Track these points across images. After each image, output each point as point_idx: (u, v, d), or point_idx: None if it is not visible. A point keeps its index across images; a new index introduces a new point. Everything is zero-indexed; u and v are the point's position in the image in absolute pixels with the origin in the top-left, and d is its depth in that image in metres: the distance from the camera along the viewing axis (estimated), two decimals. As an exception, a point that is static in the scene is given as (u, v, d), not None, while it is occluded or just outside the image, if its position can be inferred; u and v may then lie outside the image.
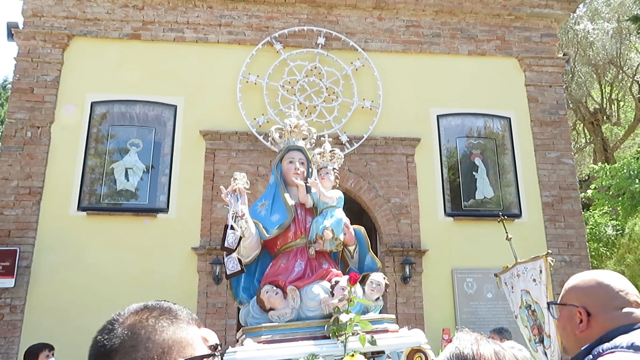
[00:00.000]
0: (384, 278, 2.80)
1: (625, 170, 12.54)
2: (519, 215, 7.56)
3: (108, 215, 7.08)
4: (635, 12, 13.91)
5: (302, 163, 3.00)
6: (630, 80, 16.86)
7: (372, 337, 2.43)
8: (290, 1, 7.97)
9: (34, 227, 6.87)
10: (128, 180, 7.28)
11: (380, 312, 2.87)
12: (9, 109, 7.36)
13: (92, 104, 7.44)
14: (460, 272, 7.27)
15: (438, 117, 7.96)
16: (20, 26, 7.58)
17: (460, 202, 7.71)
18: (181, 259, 6.98)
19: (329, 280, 2.67)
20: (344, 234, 2.87)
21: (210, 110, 7.49)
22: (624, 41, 16.44)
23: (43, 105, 7.29)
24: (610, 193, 13.52)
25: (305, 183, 2.91)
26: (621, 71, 16.72)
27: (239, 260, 2.68)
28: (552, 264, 5.64)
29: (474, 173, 7.86)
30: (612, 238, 13.72)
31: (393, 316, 2.77)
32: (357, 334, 2.42)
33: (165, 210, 7.19)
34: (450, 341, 1.30)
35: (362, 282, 2.75)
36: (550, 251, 5.74)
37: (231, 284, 2.86)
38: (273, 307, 2.63)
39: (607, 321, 1.46)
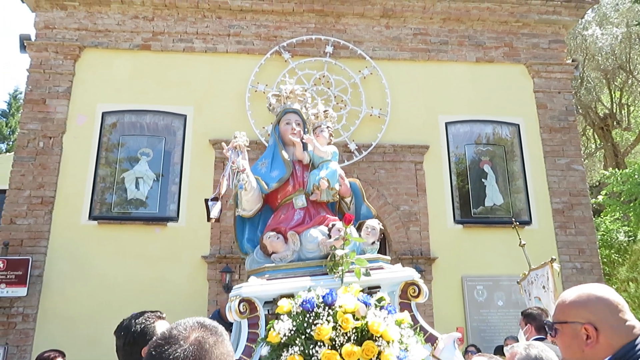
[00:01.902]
0: (379, 223, 2.98)
1: (636, 176, 12.44)
2: (529, 222, 7.52)
3: (119, 224, 7.14)
4: (644, 17, 13.84)
5: (299, 124, 3.20)
6: (640, 85, 16.75)
7: (367, 269, 2.58)
8: (298, 11, 8.03)
9: (46, 237, 6.94)
10: (138, 190, 7.34)
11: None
12: (21, 119, 7.47)
13: (103, 114, 7.53)
14: (470, 279, 7.23)
15: (446, 124, 7.96)
16: (33, 38, 7.70)
17: (469, 209, 7.69)
18: (191, 267, 7.01)
19: (327, 225, 2.84)
20: (340, 185, 3.06)
21: (220, 119, 7.55)
22: (633, 46, 16.35)
23: (55, 115, 7.38)
24: (622, 199, 13.41)
25: (301, 140, 3.10)
26: (631, 76, 16.63)
27: (221, 211, 2.98)
28: (559, 270, 5.63)
29: (483, 180, 7.83)
30: (624, 244, 13.59)
31: (388, 257, 2.89)
32: (353, 269, 2.57)
33: (175, 219, 7.23)
34: (463, 341, 1.33)
35: (359, 229, 2.93)
36: (554, 257, 5.72)
37: (237, 236, 3.09)
38: (275, 251, 2.82)
39: (613, 336, 1.47)
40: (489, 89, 8.10)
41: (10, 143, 21.59)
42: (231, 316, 2.52)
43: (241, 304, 2.47)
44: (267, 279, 2.62)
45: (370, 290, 2.56)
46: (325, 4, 8.06)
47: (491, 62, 8.25)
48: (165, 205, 7.37)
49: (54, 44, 7.62)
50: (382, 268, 2.75)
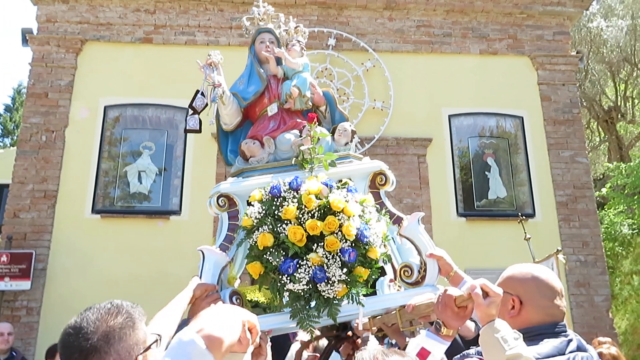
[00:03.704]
0: (350, 125, 3.14)
1: (640, 169, 12.38)
2: (532, 215, 7.49)
3: (121, 217, 7.15)
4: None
5: (272, 42, 3.33)
6: (645, 77, 16.64)
7: (333, 161, 2.75)
8: (300, 3, 7.98)
9: (49, 230, 6.95)
10: (141, 183, 7.34)
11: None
12: (24, 113, 7.48)
13: (106, 108, 7.53)
14: (473, 272, 7.14)
15: (450, 117, 7.92)
16: (35, 32, 7.69)
17: (472, 202, 7.66)
18: (194, 260, 6.97)
19: (299, 129, 3.04)
20: (312, 94, 3.23)
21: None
22: (638, 38, 16.23)
23: (57, 109, 7.38)
24: (626, 192, 13.35)
25: (274, 55, 3.27)
26: (636, 68, 16.51)
27: (200, 122, 3.17)
28: (565, 261, 5.61)
29: (486, 173, 7.80)
30: (628, 237, 13.54)
31: (361, 156, 3.01)
32: (322, 162, 2.73)
33: (177, 212, 7.24)
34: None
35: (333, 133, 3.11)
36: (559, 248, 5.70)
37: (220, 149, 3.32)
38: (252, 155, 3.00)
39: (534, 313, 1.69)
40: (492, 81, 8.05)
41: (15, 138, 21.65)
42: (212, 210, 2.73)
43: (220, 199, 2.68)
44: (244, 178, 2.86)
45: (342, 184, 2.71)
46: (328, -4, 8.02)
47: (495, 54, 8.20)
48: (168, 199, 7.38)
49: (56, 38, 7.61)
50: (352, 162, 2.91)
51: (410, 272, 2.50)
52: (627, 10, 16.31)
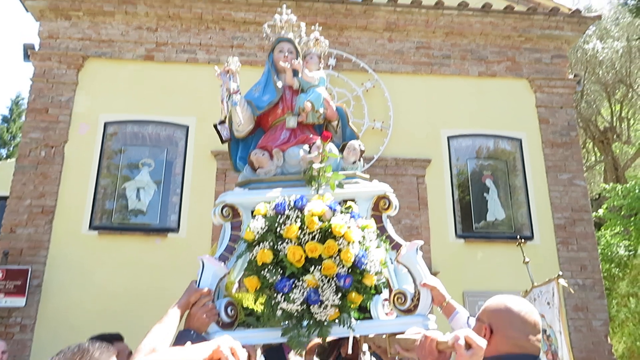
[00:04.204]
0: (360, 144, 3.15)
1: (637, 190, 12.46)
2: (531, 238, 7.50)
3: (119, 234, 7.11)
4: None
5: (291, 52, 3.33)
6: (641, 99, 16.82)
7: (340, 182, 2.78)
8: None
9: (45, 246, 6.90)
10: (139, 200, 7.32)
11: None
12: (23, 128, 7.47)
13: (106, 124, 7.53)
14: (472, 295, 7.19)
15: (448, 138, 7.96)
16: (37, 47, 7.72)
17: (471, 223, 7.67)
18: (191, 278, 6.95)
19: (309, 144, 3.04)
20: (325, 109, 3.23)
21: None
22: (633, 60, 16.44)
23: (57, 125, 7.38)
24: (622, 213, 13.40)
25: (291, 67, 3.29)
26: (631, 89, 16.70)
27: (231, 130, 3.20)
28: (567, 285, 5.61)
29: (484, 194, 7.82)
30: (625, 259, 13.56)
31: (367, 176, 3.02)
32: (329, 182, 2.77)
33: (175, 229, 7.21)
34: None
35: (343, 149, 3.13)
36: (561, 273, 5.70)
37: (231, 155, 3.32)
38: (261, 166, 3.01)
39: (503, 343, 1.73)
40: (491, 103, 8.12)
41: (11, 149, 21.59)
42: (215, 219, 2.77)
43: (224, 209, 2.71)
44: (250, 189, 2.88)
45: (347, 202, 2.75)
46: (329, 16, 8.10)
47: (493, 76, 8.28)
48: (166, 216, 7.35)
49: (58, 54, 7.63)
50: (358, 183, 2.93)
51: (403, 299, 2.53)
52: (622, 33, 16.55)
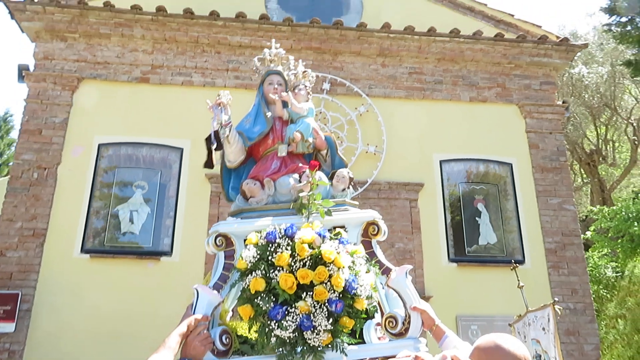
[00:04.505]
0: (348, 172, 3.26)
1: (624, 213, 12.66)
2: (522, 262, 7.57)
3: (111, 258, 7.05)
4: (628, 57, 14.30)
5: (280, 84, 3.48)
6: (625, 122, 17.19)
7: (329, 210, 2.87)
8: (296, 47, 8.16)
9: (36, 270, 6.81)
10: (133, 223, 7.28)
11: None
12: (16, 150, 7.42)
13: (100, 146, 7.51)
14: (465, 319, 7.22)
15: (441, 162, 8.06)
16: (32, 68, 7.71)
17: (463, 247, 7.74)
18: (184, 303, 6.89)
19: (300, 173, 3.14)
20: (314, 139, 3.35)
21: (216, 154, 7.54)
22: (617, 84, 16.84)
23: (51, 146, 7.35)
24: (610, 235, 13.58)
25: (280, 98, 3.42)
26: (615, 113, 17.07)
27: (223, 160, 3.32)
28: (560, 312, 5.66)
29: (477, 218, 7.91)
30: (612, 280, 13.71)
31: (357, 203, 3.13)
32: (319, 210, 2.85)
33: (169, 253, 7.17)
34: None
35: (332, 177, 3.23)
36: (557, 299, 5.76)
37: (223, 185, 3.43)
38: (252, 196, 3.11)
39: None
40: (482, 128, 8.25)
41: None
42: (209, 249, 2.83)
43: (217, 239, 2.79)
44: (242, 219, 2.97)
45: (337, 229, 2.85)
46: (323, 42, 8.22)
47: (484, 102, 8.43)
48: (159, 240, 7.31)
49: (53, 75, 7.63)
50: (347, 210, 3.03)
51: (394, 323, 2.59)
52: (606, 58, 16.98)
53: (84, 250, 7.03)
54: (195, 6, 7.95)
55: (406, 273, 2.69)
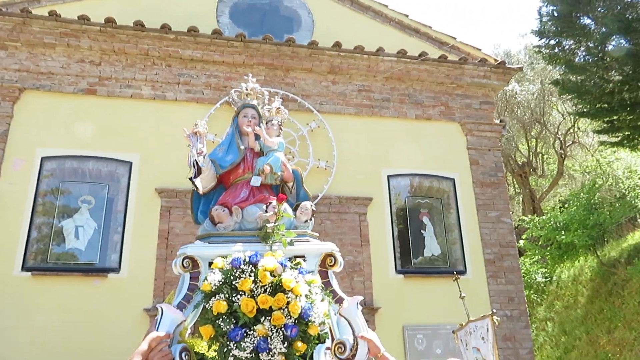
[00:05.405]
0: (312, 205, 3.50)
1: (552, 222, 13.58)
2: (464, 272, 8.00)
3: (55, 275, 6.79)
4: (556, 77, 15.39)
5: (254, 117, 3.68)
6: (553, 136, 18.43)
7: (292, 240, 3.09)
8: (248, 63, 8.23)
9: (-28, 290, 6.46)
10: (78, 239, 7.05)
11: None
12: (-50, 163, 7.00)
13: (42, 159, 7.23)
14: (411, 328, 7.53)
15: (388, 177, 8.37)
16: (-33, 77, 7.31)
17: (410, 259, 8.06)
18: (132, 320, 6.77)
19: (266, 203, 3.33)
20: (283, 172, 3.54)
21: (167, 168, 7.47)
22: (547, 101, 18.05)
23: (-11, 160, 6.99)
24: (540, 243, 14.52)
25: (253, 131, 3.62)
26: (545, 128, 18.26)
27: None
28: (497, 323, 6.05)
29: (422, 231, 8.27)
30: (542, 285, 14.64)
31: (317, 234, 3.36)
32: (281, 239, 3.05)
33: (116, 269, 7.00)
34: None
35: (296, 209, 3.44)
36: (495, 310, 6.14)
37: (192, 209, 3.57)
38: (220, 221, 3.26)
39: None
40: (427, 144, 8.65)
41: None
42: (176, 270, 2.97)
43: (185, 260, 2.94)
44: (210, 243, 3.11)
45: (297, 259, 3.04)
46: (275, 58, 8.34)
47: (429, 119, 8.84)
48: (106, 256, 7.12)
49: (-9, 84, 7.28)
50: (308, 241, 3.22)
51: (343, 348, 2.81)
52: (536, 77, 18.17)
53: (25, 268, 6.74)
54: (145, 18, 7.85)
55: (357, 304, 2.92)
